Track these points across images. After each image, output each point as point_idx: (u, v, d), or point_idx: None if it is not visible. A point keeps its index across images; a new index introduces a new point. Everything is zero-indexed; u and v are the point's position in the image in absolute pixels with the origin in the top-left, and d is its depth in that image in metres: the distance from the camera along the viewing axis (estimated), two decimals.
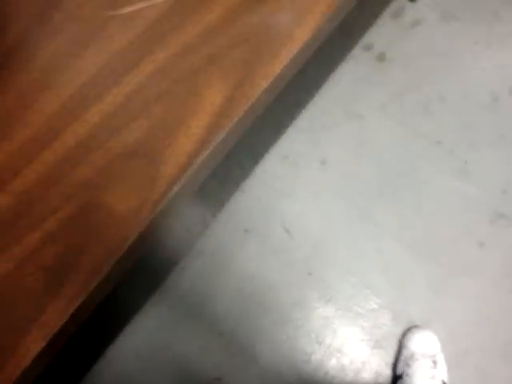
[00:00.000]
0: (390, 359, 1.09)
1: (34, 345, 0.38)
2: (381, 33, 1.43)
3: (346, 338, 1.12)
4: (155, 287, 1.10)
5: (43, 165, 0.43)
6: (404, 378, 1.03)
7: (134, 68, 0.45)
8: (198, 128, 0.42)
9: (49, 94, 0.45)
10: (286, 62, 0.45)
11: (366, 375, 1.09)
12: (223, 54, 0.45)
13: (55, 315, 0.38)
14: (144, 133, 0.43)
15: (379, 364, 1.09)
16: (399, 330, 1.11)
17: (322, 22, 0.46)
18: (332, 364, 1.10)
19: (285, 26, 0.46)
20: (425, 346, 1.06)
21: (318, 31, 0.46)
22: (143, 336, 1.10)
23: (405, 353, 1.07)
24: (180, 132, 0.42)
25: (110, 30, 0.47)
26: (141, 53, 0.46)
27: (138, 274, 1.05)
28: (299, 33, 0.46)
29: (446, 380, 1.04)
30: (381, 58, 1.41)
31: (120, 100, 0.44)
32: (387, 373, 1.09)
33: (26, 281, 0.39)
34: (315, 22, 0.46)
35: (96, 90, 0.45)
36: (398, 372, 1.06)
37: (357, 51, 1.41)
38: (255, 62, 0.45)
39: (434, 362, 1.04)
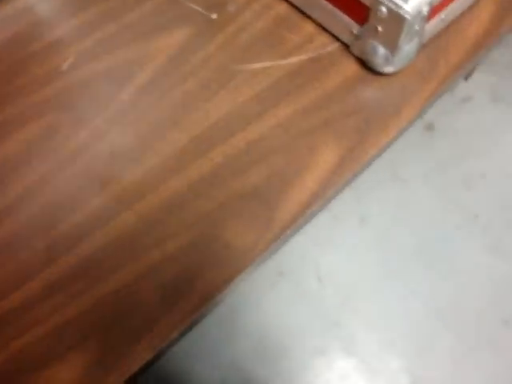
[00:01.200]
0: None
1: (143, 353, 0.42)
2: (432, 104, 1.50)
3: None
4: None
5: (167, 192, 0.48)
6: None
7: (257, 119, 0.51)
8: (312, 182, 0.47)
9: (178, 129, 0.51)
10: (392, 136, 0.50)
11: None
12: (338, 120, 0.51)
13: (166, 329, 0.42)
14: (262, 178, 0.48)
15: None
16: None
17: (425, 105, 0.52)
18: None
19: (394, 103, 0.52)
20: None
21: (421, 111, 0.52)
22: (169, 363, 1.13)
23: None
24: (295, 183, 0.47)
25: (237, 82, 0.53)
26: (264, 106, 0.52)
27: None
28: (406, 111, 0.52)
29: None
30: (429, 127, 1.47)
31: (242, 145, 0.50)
32: None
33: (143, 294, 0.44)
34: (420, 104, 0.52)
35: (221, 132, 0.51)
36: None
37: None
38: (365, 131, 0.50)
39: None
